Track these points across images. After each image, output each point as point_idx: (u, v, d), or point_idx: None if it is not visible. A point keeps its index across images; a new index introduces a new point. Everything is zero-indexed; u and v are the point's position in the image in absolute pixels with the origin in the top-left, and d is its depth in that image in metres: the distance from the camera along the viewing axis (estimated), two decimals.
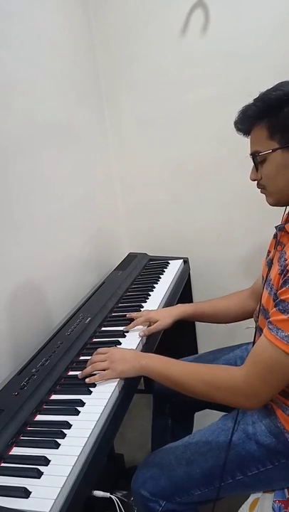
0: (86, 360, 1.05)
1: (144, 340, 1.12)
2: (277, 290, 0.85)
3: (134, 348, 1.06)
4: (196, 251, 1.77)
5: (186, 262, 1.70)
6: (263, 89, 0.88)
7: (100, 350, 1.00)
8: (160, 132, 1.72)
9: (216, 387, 0.85)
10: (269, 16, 1.48)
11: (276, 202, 0.92)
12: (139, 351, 1.06)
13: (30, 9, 1.25)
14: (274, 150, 0.85)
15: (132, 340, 1.11)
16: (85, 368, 0.97)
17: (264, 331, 0.82)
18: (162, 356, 0.96)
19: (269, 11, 1.48)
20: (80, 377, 0.96)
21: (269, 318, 0.82)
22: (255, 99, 0.87)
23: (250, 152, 0.91)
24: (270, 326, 0.80)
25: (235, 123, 0.92)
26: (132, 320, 1.18)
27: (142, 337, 1.12)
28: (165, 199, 1.81)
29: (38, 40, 1.29)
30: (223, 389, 0.85)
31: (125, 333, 1.14)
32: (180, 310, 1.18)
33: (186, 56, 1.60)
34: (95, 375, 0.94)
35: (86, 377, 0.95)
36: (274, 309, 0.81)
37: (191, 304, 1.24)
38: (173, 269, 1.61)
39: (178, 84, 1.64)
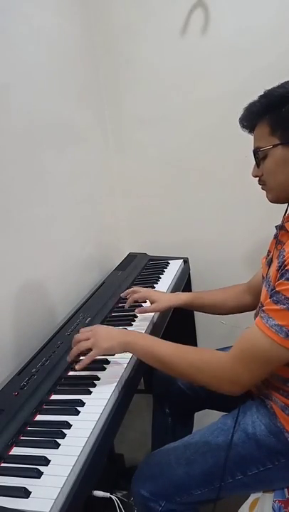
0: None
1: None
2: (274, 285, 0.85)
3: None
4: (196, 251, 1.77)
5: (186, 262, 1.70)
6: (263, 89, 0.89)
7: (83, 329, 1.00)
8: (160, 132, 1.72)
9: (201, 369, 0.86)
10: (269, 16, 1.48)
11: (276, 198, 0.93)
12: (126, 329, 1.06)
13: (30, 9, 1.25)
14: (275, 146, 0.87)
15: None
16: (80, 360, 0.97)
17: (256, 319, 0.83)
18: (149, 335, 0.97)
19: (269, 10, 1.48)
20: (68, 360, 0.98)
21: None
22: (259, 96, 0.89)
23: (252, 149, 0.92)
24: (262, 315, 0.81)
25: (240, 120, 0.94)
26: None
27: (136, 313, 1.18)
28: (165, 199, 1.81)
29: (38, 40, 1.29)
30: (208, 371, 0.86)
31: None
32: (179, 298, 1.21)
33: (186, 56, 1.60)
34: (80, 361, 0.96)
35: (76, 362, 0.96)
36: (268, 300, 0.82)
37: (190, 293, 1.26)
38: (173, 269, 1.61)
39: (178, 84, 1.64)
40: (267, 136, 0.88)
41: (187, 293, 1.25)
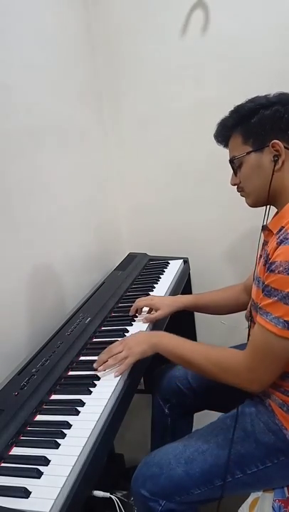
0: (86, 361, 1.06)
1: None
2: (264, 281, 0.88)
3: None
4: (196, 251, 1.77)
5: (186, 262, 1.70)
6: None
7: (114, 344, 1.02)
8: (160, 132, 1.72)
9: (223, 369, 0.91)
10: (269, 17, 1.48)
11: (255, 202, 1.00)
12: (149, 331, 1.13)
13: (30, 9, 1.25)
14: (248, 153, 0.95)
15: None
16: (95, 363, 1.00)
17: (257, 316, 0.86)
18: (172, 334, 1.02)
19: (269, 11, 1.48)
20: (95, 366, 0.98)
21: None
22: (230, 112, 0.99)
23: (228, 159, 1.01)
24: (261, 312, 0.85)
25: (215, 136, 1.03)
26: (133, 316, 1.23)
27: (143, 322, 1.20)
28: (165, 199, 1.81)
29: (38, 40, 1.30)
30: (229, 371, 0.91)
31: (125, 334, 1.14)
32: (181, 301, 1.25)
33: (186, 56, 1.60)
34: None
35: (100, 365, 0.98)
36: (262, 295, 0.86)
37: (192, 295, 1.31)
38: (173, 269, 1.61)
39: (178, 85, 1.64)
40: (240, 145, 0.96)
41: (188, 295, 1.29)
